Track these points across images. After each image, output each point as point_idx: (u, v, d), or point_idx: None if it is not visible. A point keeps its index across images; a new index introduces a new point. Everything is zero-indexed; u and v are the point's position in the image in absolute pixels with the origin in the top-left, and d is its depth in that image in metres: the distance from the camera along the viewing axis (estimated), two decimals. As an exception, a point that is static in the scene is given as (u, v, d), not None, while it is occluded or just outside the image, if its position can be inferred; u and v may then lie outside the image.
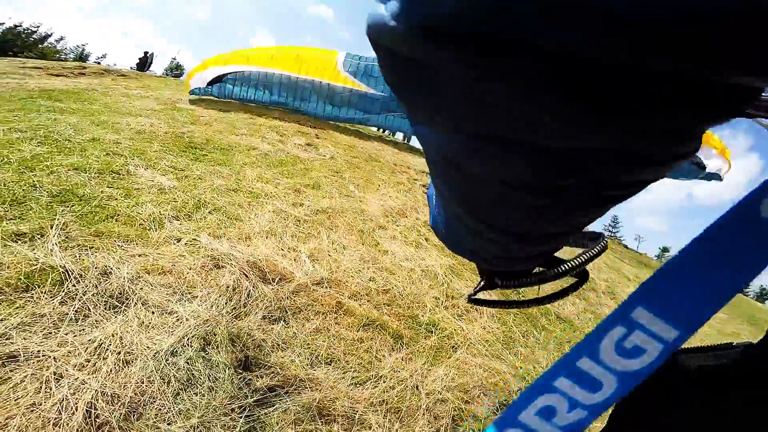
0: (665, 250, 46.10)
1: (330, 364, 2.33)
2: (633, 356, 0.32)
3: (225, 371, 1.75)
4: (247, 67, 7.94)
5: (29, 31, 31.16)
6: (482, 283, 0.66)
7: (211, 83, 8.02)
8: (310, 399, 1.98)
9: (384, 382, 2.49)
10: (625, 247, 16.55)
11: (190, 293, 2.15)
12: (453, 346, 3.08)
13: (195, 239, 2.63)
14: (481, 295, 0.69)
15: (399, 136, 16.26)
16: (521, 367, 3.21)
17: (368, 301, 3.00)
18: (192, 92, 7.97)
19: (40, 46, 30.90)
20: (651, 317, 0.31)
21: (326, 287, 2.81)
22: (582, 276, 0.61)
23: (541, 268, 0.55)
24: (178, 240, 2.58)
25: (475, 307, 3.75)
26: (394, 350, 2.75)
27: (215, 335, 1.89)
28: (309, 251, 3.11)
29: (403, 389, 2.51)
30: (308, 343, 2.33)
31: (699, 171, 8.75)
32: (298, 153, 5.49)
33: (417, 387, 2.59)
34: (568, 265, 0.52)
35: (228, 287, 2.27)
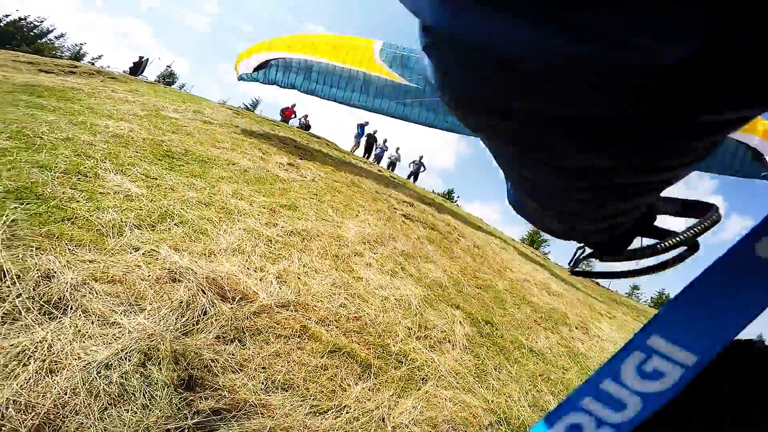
0: (635, 288, 47.62)
1: (287, 391, 2.17)
2: (654, 378, 0.35)
3: (163, 389, 1.60)
4: (289, 54, 8.02)
5: (32, 25, 31.25)
6: (580, 253, 0.68)
7: (256, 69, 8.16)
8: (261, 426, 1.82)
9: (347, 412, 2.34)
10: (598, 284, 16.94)
11: (138, 305, 1.99)
12: (423, 378, 2.94)
13: (154, 250, 2.48)
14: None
15: (384, 163, 16.46)
16: (493, 401, 3.07)
17: (337, 327, 2.86)
18: (240, 78, 8.22)
19: (39, 41, 30.89)
20: (666, 344, 0.34)
21: (292, 310, 2.67)
22: (693, 247, 0.59)
23: (650, 241, 0.56)
24: (136, 249, 2.44)
25: (448, 339, 3.63)
26: (361, 380, 2.60)
27: (158, 351, 1.73)
28: (277, 272, 2.98)
29: (368, 421, 2.36)
30: (265, 367, 2.18)
31: (763, 169, 7.83)
32: (279, 172, 5.41)
33: (383, 419, 2.44)
34: (674, 240, 0.52)
35: (182, 302, 2.12)
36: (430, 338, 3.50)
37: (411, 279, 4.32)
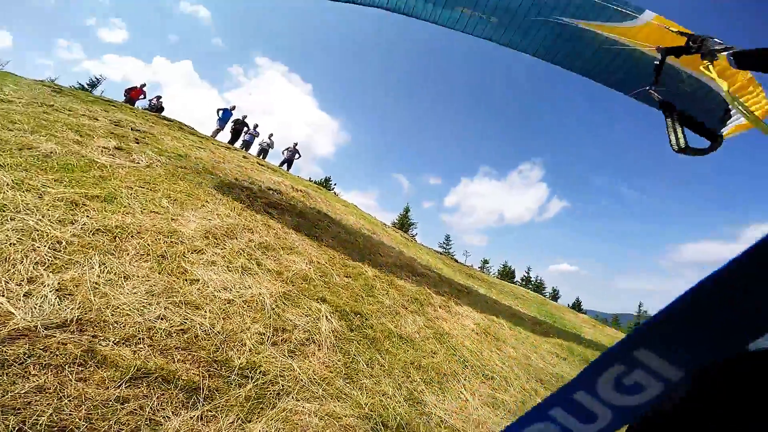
0: (486, 262, 55.11)
1: (52, 443, 1.52)
2: (631, 393, 0.34)
3: None
4: None
5: None
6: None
7: None
8: None
9: (161, 456, 1.76)
10: (456, 260, 18.48)
11: None
12: (278, 393, 2.46)
13: None
14: None
15: (254, 150, 15.34)
16: (367, 404, 2.72)
17: (150, 345, 2.22)
18: None
19: None
20: (654, 357, 0.33)
21: (72, 332, 1.96)
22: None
23: None
24: None
25: (312, 339, 3.19)
26: (184, 408, 2.02)
27: None
28: (59, 283, 2.20)
29: (196, 461, 1.82)
30: (17, 408, 1.49)
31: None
32: (99, 157, 4.33)
33: (220, 455, 1.93)
34: None
35: None
36: (289, 342, 3.02)
37: (268, 274, 3.78)
